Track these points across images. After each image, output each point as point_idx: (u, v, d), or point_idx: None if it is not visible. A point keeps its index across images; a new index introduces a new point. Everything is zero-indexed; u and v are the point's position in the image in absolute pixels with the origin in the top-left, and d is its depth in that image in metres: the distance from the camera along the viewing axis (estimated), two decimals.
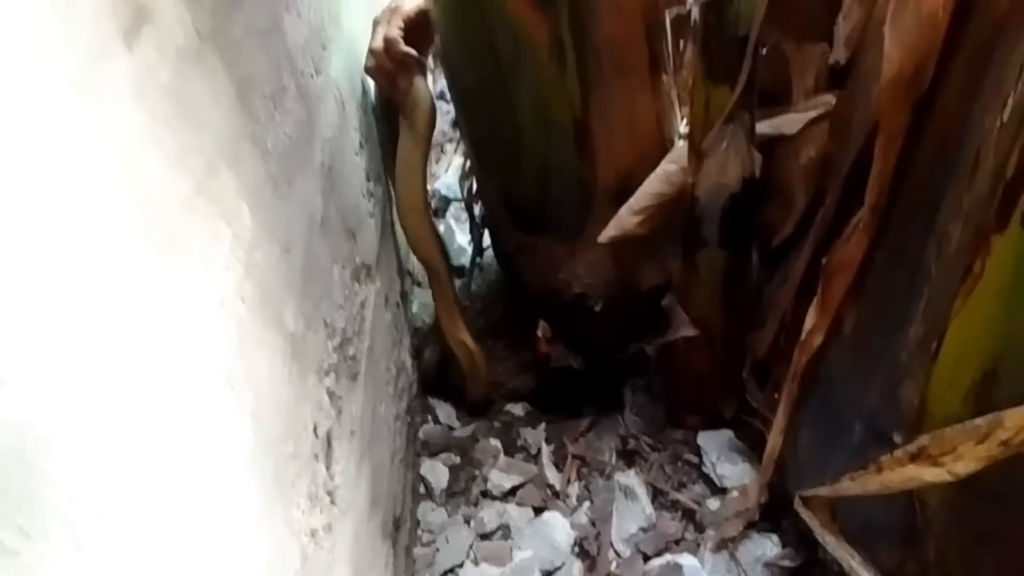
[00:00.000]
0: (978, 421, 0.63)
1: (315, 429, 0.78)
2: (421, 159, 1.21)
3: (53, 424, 0.36)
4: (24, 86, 0.36)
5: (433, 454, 1.38)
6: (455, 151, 2.16)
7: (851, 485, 0.75)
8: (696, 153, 0.96)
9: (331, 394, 0.85)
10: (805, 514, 0.83)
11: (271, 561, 0.62)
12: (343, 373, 0.91)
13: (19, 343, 0.34)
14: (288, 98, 0.80)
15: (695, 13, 0.86)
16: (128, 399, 0.43)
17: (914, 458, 0.68)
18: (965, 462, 0.63)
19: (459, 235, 1.72)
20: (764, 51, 0.92)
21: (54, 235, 0.38)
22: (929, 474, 0.66)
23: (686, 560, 1.09)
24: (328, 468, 0.82)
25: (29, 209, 0.36)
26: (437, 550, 1.23)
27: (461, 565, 1.21)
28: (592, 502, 1.26)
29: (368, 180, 1.16)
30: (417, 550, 1.24)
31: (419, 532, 1.27)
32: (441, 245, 1.35)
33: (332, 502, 0.81)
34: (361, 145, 1.14)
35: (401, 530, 1.15)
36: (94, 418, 0.40)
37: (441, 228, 1.83)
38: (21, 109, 0.36)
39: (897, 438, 0.76)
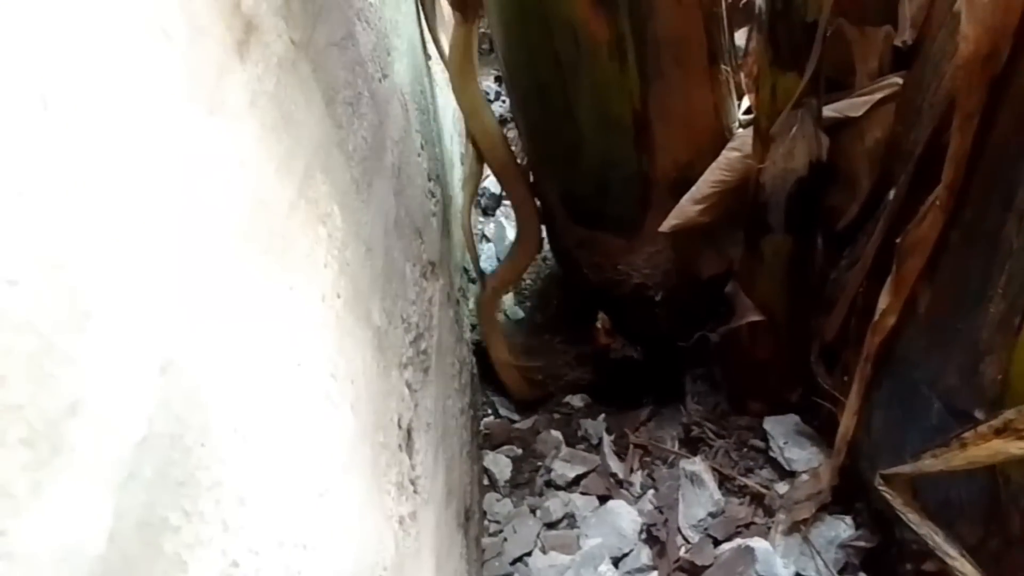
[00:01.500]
0: None
1: (399, 421, 0.81)
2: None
3: (208, 412, 0.39)
4: (172, 109, 0.39)
5: (495, 447, 1.40)
6: None
7: (934, 462, 0.75)
8: (762, 140, 0.96)
9: (410, 387, 0.88)
10: (887, 492, 0.83)
11: (373, 546, 0.65)
12: (417, 367, 0.93)
13: (182, 331, 0.37)
14: (363, 103, 0.82)
15: (760, 1, 0.86)
16: (261, 388, 0.46)
17: (999, 432, 0.68)
18: None
19: (510, 231, 1.72)
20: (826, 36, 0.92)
21: (205, 236, 0.41)
22: (1016, 447, 0.66)
23: (758, 543, 1.09)
24: (411, 458, 0.84)
25: (184, 215, 0.39)
26: (505, 539, 1.25)
27: (530, 554, 1.22)
28: (657, 490, 1.26)
29: (429, 180, 1.19)
30: (485, 540, 1.26)
31: (486, 522, 1.29)
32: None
33: (415, 491, 0.84)
34: (422, 146, 1.17)
35: (471, 520, 1.18)
36: (236, 406, 0.42)
37: (492, 226, 1.84)
38: (174, 131, 0.39)
39: (979, 415, 0.76)
